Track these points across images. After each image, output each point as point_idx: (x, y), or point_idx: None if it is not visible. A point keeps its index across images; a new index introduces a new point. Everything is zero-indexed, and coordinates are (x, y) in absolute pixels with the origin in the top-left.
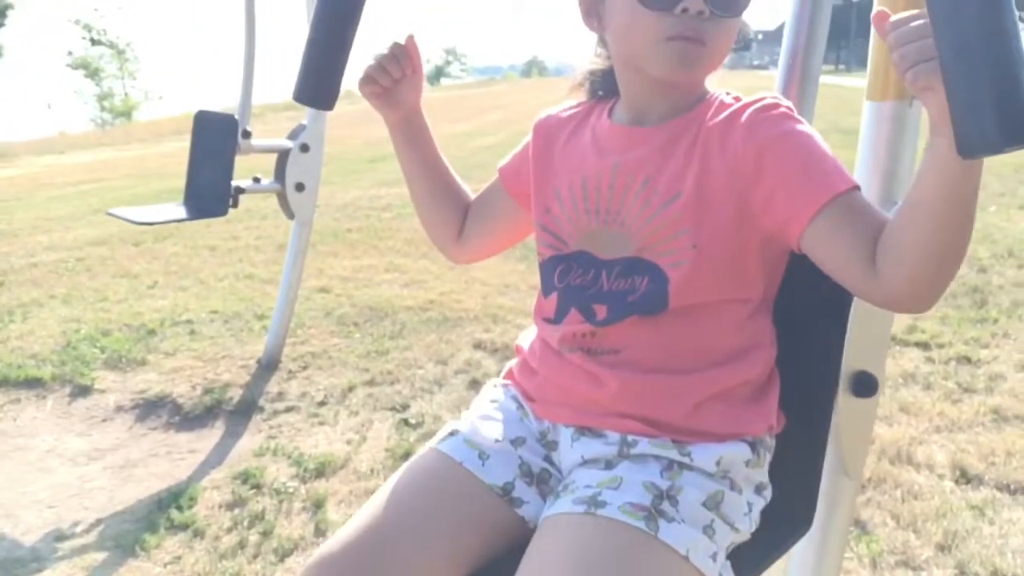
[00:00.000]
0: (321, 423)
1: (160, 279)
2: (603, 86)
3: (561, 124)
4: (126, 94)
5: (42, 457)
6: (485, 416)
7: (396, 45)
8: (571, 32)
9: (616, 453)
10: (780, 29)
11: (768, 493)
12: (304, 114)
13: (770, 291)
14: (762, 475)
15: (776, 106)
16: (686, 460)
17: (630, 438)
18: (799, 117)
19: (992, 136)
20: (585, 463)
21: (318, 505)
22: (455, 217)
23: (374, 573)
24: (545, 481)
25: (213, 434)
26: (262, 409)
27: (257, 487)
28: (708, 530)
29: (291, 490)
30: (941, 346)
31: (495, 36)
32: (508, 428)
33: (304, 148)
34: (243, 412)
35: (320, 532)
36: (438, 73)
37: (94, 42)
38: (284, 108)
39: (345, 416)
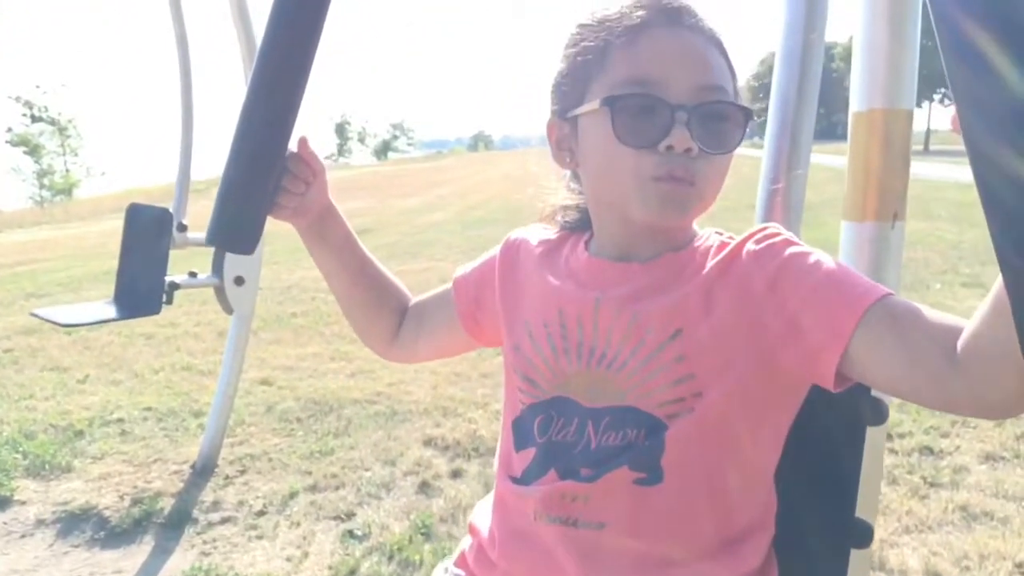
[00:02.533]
0: (259, 536)
1: (91, 372)
2: (577, 223)
3: (530, 250)
4: (67, 171)
5: None
6: None
7: (289, 156)
8: (517, 105)
9: None
10: None
11: None
12: None
13: (775, 456)
14: None
15: (777, 234)
16: None
17: None
18: (802, 242)
19: None
20: None
21: None
22: (390, 319)
23: None
24: None
25: (141, 551)
26: (195, 521)
27: None
28: None
29: None
30: (902, 436)
31: (442, 109)
32: None
33: None
34: (175, 524)
35: None
36: (385, 147)
37: (35, 119)
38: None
39: (285, 527)
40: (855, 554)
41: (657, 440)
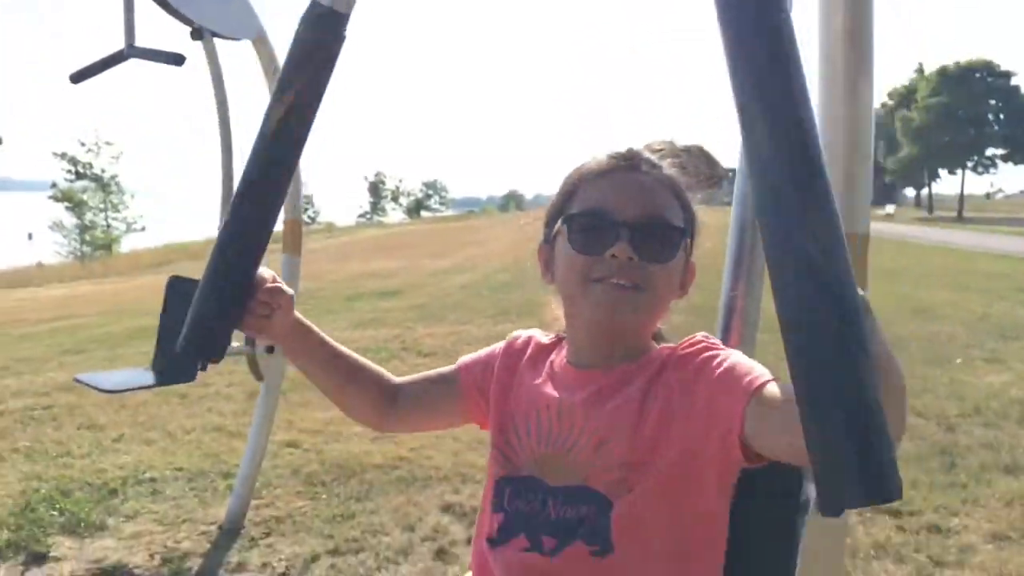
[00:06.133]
0: None
1: (126, 431)
2: None
3: (526, 352)
4: (108, 226)
5: None
6: None
7: (258, 286)
8: (549, 163)
9: None
10: None
11: None
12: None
13: (718, 553)
14: None
15: (699, 342)
16: None
17: None
18: (719, 344)
19: (850, 498)
20: None
21: None
22: (370, 398)
23: None
24: None
25: None
26: None
27: None
28: None
29: None
30: (912, 514)
31: (474, 167)
32: None
33: None
34: None
35: None
36: (418, 206)
37: (79, 175)
38: (274, 240)
39: None
40: None
41: (605, 515)
